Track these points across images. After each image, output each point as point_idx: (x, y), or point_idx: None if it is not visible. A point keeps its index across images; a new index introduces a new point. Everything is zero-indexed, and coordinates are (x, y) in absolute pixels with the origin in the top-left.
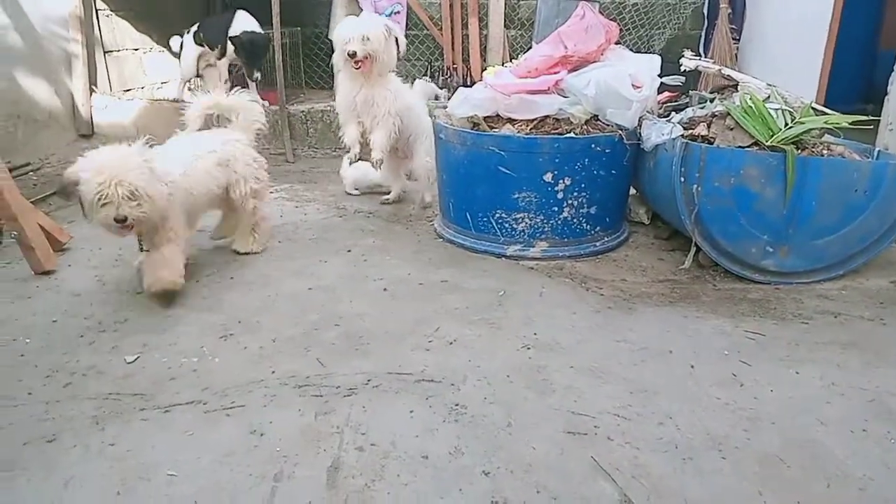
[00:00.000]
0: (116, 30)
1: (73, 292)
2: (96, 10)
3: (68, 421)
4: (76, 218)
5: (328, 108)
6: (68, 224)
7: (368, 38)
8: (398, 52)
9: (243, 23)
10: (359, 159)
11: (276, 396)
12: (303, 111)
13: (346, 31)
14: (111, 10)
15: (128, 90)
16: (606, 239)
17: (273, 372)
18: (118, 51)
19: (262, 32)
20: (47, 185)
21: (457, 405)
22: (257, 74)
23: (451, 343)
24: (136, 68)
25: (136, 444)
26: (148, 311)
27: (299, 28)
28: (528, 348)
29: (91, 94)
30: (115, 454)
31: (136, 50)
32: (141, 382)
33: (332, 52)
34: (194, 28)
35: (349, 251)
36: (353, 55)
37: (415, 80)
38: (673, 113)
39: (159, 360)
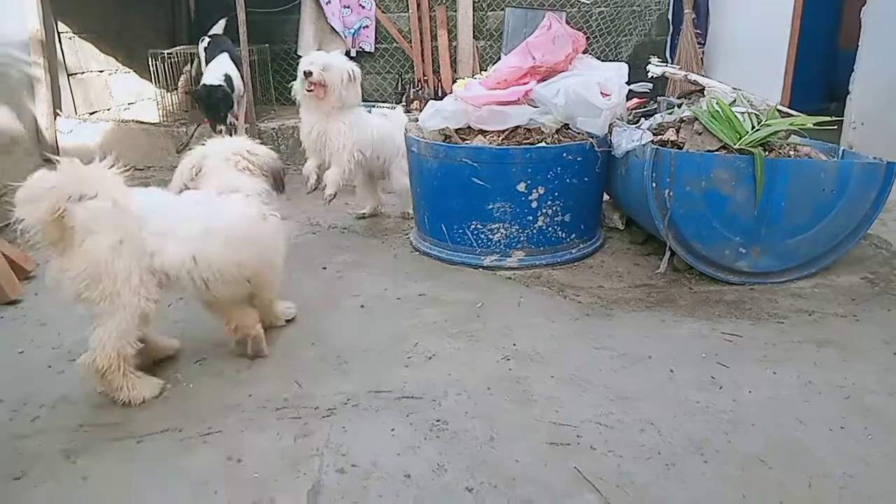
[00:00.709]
0: (80, 52)
1: (39, 321)
2: (58, 33)
3: (38, 456)
4: (42, 244)
5: (299, 123)
6: (34, 251)
7: (328, 69)
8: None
9: (211, 73)
10: (315, 189)
11: (253, 420)
12: (273, 128)
13: (309, 57)
14: (74, 33)
15: (94, 112)
16: (582, 246)
17: (250, 395)
18: (83, 73)
19: (221, 85)
20: (12, 212)
21: (438, 421)
22: (220, 127)
23: (430, 358)
24: (102, 90)
25: (109, 476)
26: None
27: (268, 44)
28: (508, 359)
29: (55, 118)
30: (89, 488)
31: (102, 71)
32: (113, 412)
33: None
34: (206, 41)
35: (325, 268)
36: (308, 74)
37: (373, 106)
38: (642, 119)
39: None
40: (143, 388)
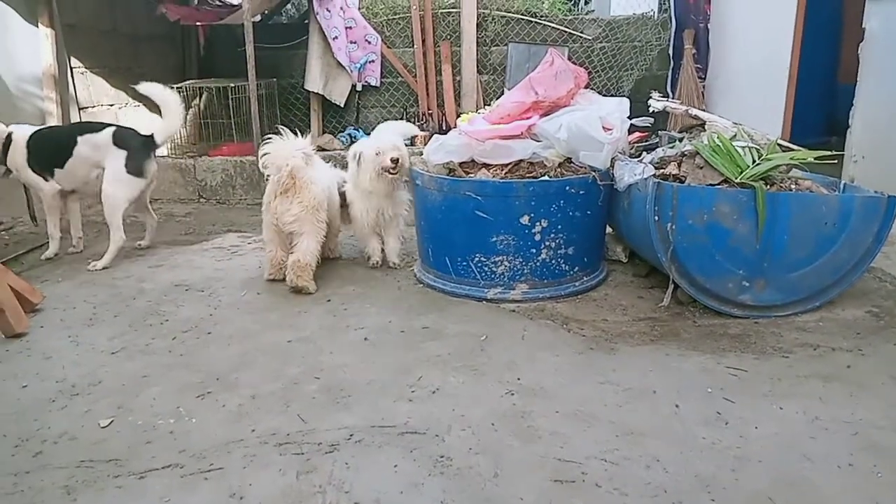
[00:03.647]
0: (92, 86)
1: (44, 355)
2: (71, 69)
3: (38, 492)
4: (49, 277)
5: None
6: (41, 283)
7: (401, 149)
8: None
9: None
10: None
11: (255, 456)
12: None
13: (380, 144)
14: (86, 68)
15: None
16: (585, 279)
17: (253, 430)
18: (93, 107)
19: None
20: (19, 244)
21: (442, 457)
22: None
23: (434, 392)
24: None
25: None
26: (123, 372)
27: (275, 79)
28: (513, 394)
29: None
30: None
31: (112, 106)
32: (115, 447)
33: (308, 101)
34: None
35: (329, 300)
36: (395, 161)
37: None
38: (644, 153)
39: (134, 422)
40: (313, 285)
